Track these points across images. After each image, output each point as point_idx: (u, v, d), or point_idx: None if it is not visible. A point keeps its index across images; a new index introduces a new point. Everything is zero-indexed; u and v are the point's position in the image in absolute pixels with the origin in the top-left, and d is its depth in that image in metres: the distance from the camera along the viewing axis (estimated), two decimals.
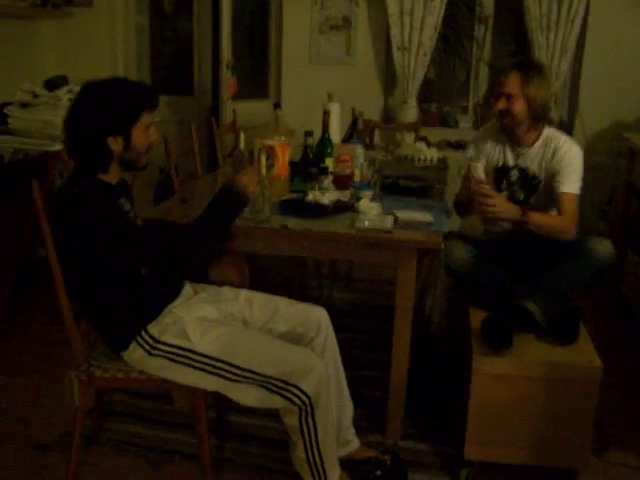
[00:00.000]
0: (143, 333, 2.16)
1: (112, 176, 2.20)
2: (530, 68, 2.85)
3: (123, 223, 2.13)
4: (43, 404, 2.95)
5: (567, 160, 2.86)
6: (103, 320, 2.23)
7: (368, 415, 2.87)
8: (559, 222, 2.83)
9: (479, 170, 2.69)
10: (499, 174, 3.02)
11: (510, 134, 2.96)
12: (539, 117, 2.89)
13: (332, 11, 5.30)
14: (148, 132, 2.18)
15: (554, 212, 2.94)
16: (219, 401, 2.68)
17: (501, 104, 2.86)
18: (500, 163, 3.02)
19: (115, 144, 2.12)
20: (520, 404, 2.49)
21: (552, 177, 2.89)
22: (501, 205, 2.70)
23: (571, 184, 2.85)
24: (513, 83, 2.82)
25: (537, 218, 2.78)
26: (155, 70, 5.78)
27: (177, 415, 2.88)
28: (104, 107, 2.10)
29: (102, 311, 2.20)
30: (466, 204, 3.03)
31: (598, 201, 4.91)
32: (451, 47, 5.48)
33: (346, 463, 2.45)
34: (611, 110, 4.96)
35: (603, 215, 4.91)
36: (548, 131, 2.95)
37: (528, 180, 2.97)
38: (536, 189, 2.96)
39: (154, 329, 2.17)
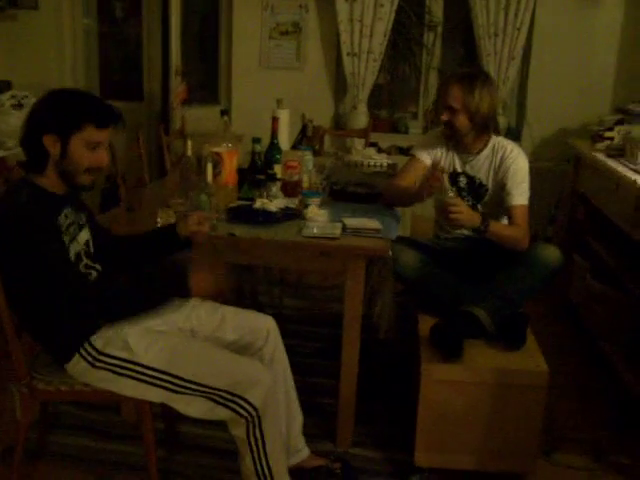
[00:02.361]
0: (86, 345, 2.12)
1: (56, 186, 2.14)
2: (473, 80, 2.86)
3: (49, 242, 2.04)
4: None
5: (514, 171, 2.90)
6: (44, 332, 2.17)
7: (318, 423, 2.87)
8: (515, 233, 2.87)
9: (445, 179, 2.70)
10: (450, 179, 3.04)
11: (456, 142, 2.99)
12: (483, 127, 2.92)
13: (282, 17, 5.29)
14: (93, 151, 2.10)
15: (504, 221, 2.98)
16: (168, 411, 2.64)
17: (444, 116, 2.91)
18: (450, 168, 3.05)
19: (51, 145, 2.06)
20: (469, 410, 2.50)
21: (500, 188, 2.93)
22: (466, 213, 2.71)
23: (520, 196, 2.89)
24: (455, 97, 2.86)
25: (496, 228, 2.81)
26: (104, 75, 5.70)
27: (125, 426, 2.84)
28: (48, 104, 2.08)
29: (43, 323, 2.14)
30: (403, 188, 3.05)
31: (545, 206, 4.97)
32: (401, 54, 5.51)
33: (296, 472, 2.45)
34: (557, 117, 5.04)
35: (550, 220, 4.99)
36: (495, 139, 2.99)
37: (475, 187, 3.00)
38: (483, 196, 2.99)
39: (97, 341, 2.13)
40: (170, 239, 2.41)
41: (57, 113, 2.06)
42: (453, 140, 2.99)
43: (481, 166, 2.99)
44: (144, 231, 2.48)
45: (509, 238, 2.84)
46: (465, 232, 3.08)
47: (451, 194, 2.69)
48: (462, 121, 2.88)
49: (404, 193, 3.02)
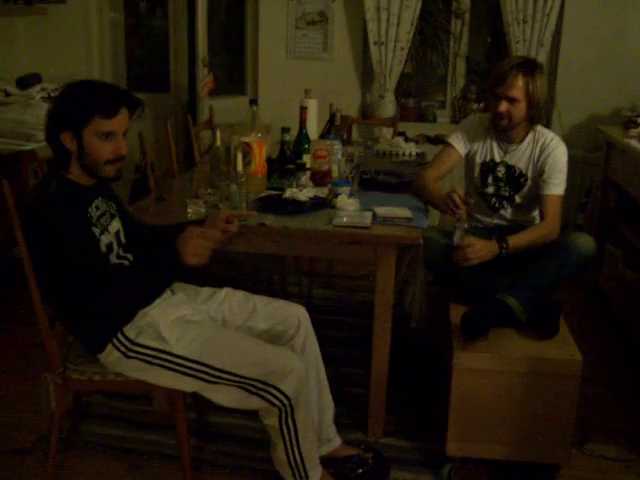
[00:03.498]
0: (119, 335, 2.13)
1: (84, 178, 2.16)
2: (534, 68, 2.82)
3: (78, 233, 2.06)
4: (21, 407, 2.91)
5: (553, 161, 2.87)
6: (78, 323, 2.19)
7: (349, 412, 2.86)
8: (540, 232, 2.83)
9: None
10: (486, 169, 3.01)
11: (501, 132, 2.94)
12: (536, 117, 2.89)
13: (308, 6, 5.27)
14: (108, 142, 2.10)
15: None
16: (199, 401, 2.65)
17: (503, 107, 2.83)
18: (488, 158, 3.02)
19: (69, 143, 2.08)
20: (501, 399, 2.48)
21: (539, 177, 2.90)
22: (482, 249, 2.66)
23: (556, 186, 2.86)
24: (518, 88, 2.79)
25: (517, 243, 2.75)
26: (131, 67, 5.73)
27: (157, 416, 2.86)
28: (59, 103, 2.10)
29: (76, 314, 2.16)
30: (430, 188, 3.00)
31: (576, 194, 4.92)
32: (428, 42, 5.46)
33: (328, 462, 2.44)
34: (588, 104, 4.97)
35: (581, 208, 4.93)
36: (535, 128, 2.95)
37: (515, 177, 2.97)
38: (522, 186, 2.96)
39: (130, 331, 2.14)
40: None
41: (66, 110, 2.08)
42: (503, 130, 2.93)
43: (522, 155, 2.95)
44: (174, 223, 2.42)
45: (534, 242, 2.79)
46: (495, 221, 3.06)
47: (463, 233, 2.66)
48: (521, 111, 2.82)
49: (425, 190, 2.99)
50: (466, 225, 2.69)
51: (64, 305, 2.17)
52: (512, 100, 2.81)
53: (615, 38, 4.87)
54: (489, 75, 2.94)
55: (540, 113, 2.88)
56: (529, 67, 2.81)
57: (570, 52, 4.97)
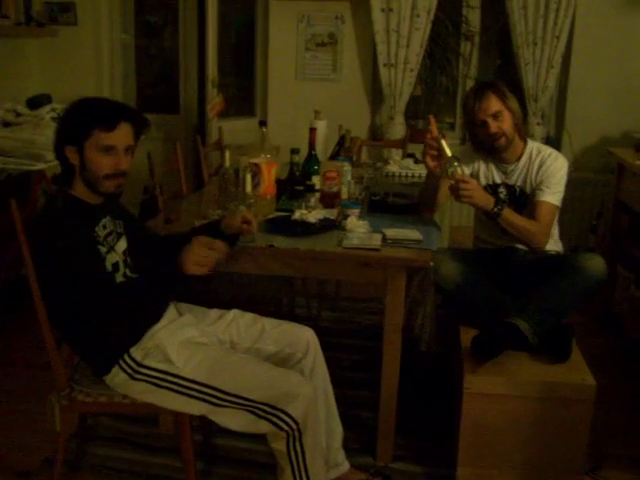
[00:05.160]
0: (125, 356, 2.11)
1: (89, 196, 2.16)
2: (497, 84, 2.90)
3: (83, 252, 2.06)
4: (27, 429, 2.89)
5: (551, 171, 2.90)
6: (84, 344, 2.18)
7: (358, 437, 2.83)
8: (531, 226, 2.86)
9: (443, 144, 2.77)
10: (491, 192, 3.01)
11: (498, 152, 2.94)
12: (521, 128, 2.93)
13: (318, 28, 5.28)
14: (108, 156, 2.10)
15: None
16: (206, 424, 2.62)
17: (494, 126, 2.86)
18: (490, 181, 3.02)
19: (72, 157, 2.11)
20: (512, 424, 2.45)
21: (536, 187, 2.90)
22: (475, 190, 2.73)
23: (552, 195, 2.88)
24: (495, 102, 2.85)
25: (509, 215, 2.80)
26: (141, 88, 5.76)
27: (163, 438, 2.83)
28: (63, 118, 2.18)
29: (82, 335, 2.14)
30: (424, 191, 3.10)
31: (587, 216, 4.89)
32: (437, 64, 5.46)
33: None
34: (598, 126, 4.95)
35: (592, 230, 4.90)
36: (532, 145, 2.98)
37: (517, 197, 2.96)
38: (525, 205, 2.95)
39: (137, 353, 2.12)
40: (214, 236, 2.36)
41: (68, 124, 2.14)
42: (504, 149, 2.93)
43: (520, 173, 2.96)
44: (188, 230, 2.49)
45: (522, 229, 2.83)
46: (505, 242, 3.03)
47: (456, 164, 2.70)
48: (509, 121, 2.87)
49: (424, 187, 3.05)
50: (457, 162, 2.72)
51: (70, 326, 2.15)
52: (496, 115, 2.85)
53: (625, 59, 4.86)
54: (464, 119, 3.03)
55: (522, 124, 2.92)
56: (493, 84, 2.90)
57: (580, 74, 4.96)
